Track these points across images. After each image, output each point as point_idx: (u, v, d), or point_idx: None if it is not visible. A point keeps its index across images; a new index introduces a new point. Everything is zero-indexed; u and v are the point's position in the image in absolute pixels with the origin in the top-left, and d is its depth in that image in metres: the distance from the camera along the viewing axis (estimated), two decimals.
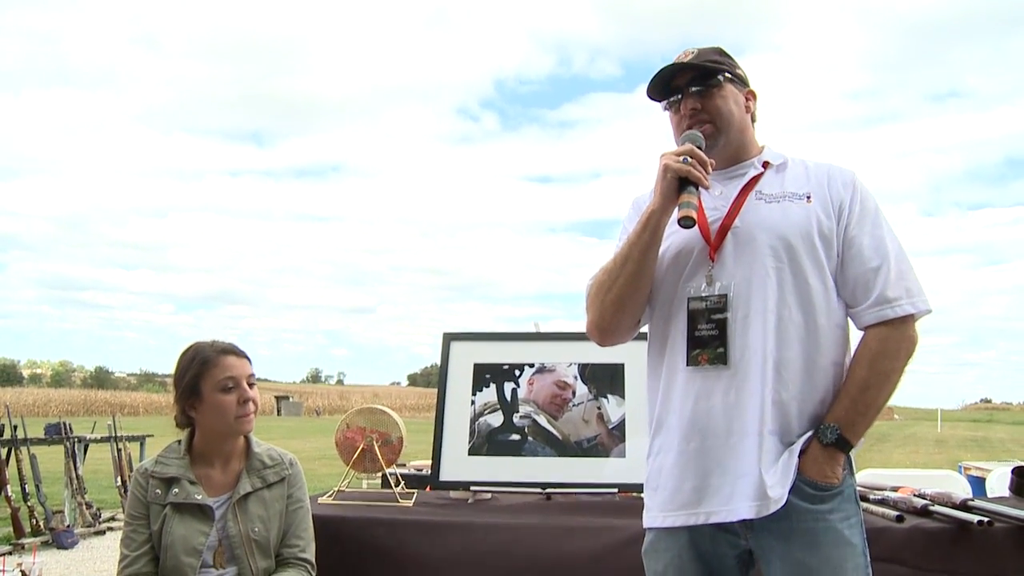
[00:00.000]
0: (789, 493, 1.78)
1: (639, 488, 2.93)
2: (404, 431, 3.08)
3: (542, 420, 3.10)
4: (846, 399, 1.84)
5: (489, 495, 3.08)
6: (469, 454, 3.08)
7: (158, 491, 2.32)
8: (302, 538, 2.42)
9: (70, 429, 8.44)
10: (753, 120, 2.09)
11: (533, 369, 3.18)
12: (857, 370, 1.85)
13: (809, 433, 1.84)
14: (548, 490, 3.02)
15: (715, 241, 1.92)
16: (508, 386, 3.17)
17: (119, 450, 8.61)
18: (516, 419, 3.11)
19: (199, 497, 2.31)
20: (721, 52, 2.05)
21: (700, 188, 1.85)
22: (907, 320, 1.85)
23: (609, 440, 3.03)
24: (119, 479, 8.58)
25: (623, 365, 3.11)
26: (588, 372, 3.13)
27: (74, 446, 8.29)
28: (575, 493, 3.05)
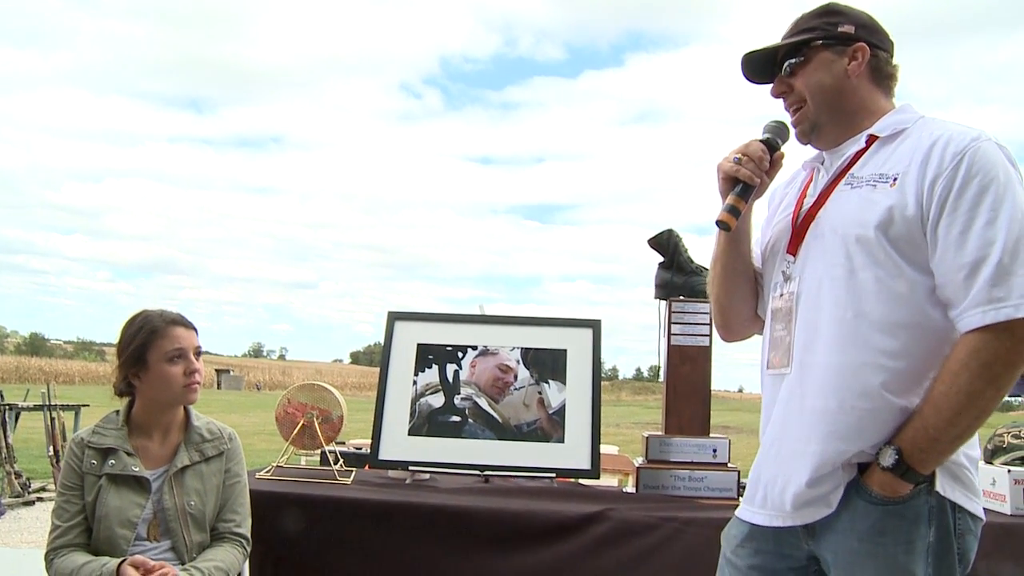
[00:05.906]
0: (837, 506, 1.62)
1: (577, 473, 3.00)
2: (345, 409, 3.08)
3: (483, 403, 3.12)
4: (917, 420, 1.55)
5: (428, 476, 3.10)
6: (409, 434, 3.09)
7: (94, 461, 2.29)
8: (238, 513, 2.42)
9: (1, 396, 8.25)
10: (878, 75, 1.79)
11: (476, 351, 3.20)
12: (937, 385, 1.55)
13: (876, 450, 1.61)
14: (487, 472, 3.06)
15: (795, 234, 1.77)
16: (450, 367, 3.18)
17: (52, 419, 8.42)
18: (457, 401, 3.13)
19: (136, 469, 2.29)
20: (824, 12, 1.81)
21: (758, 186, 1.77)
22: (1012, 325, 1.49)
23: (549, 425, 3.07)
24: (51, 449, 8.39)
25: (566, 351, 3.13)
26: (531, 357, 3.16)
27: (4, 414, 8.11)
28: (513, 476, 3.09)
